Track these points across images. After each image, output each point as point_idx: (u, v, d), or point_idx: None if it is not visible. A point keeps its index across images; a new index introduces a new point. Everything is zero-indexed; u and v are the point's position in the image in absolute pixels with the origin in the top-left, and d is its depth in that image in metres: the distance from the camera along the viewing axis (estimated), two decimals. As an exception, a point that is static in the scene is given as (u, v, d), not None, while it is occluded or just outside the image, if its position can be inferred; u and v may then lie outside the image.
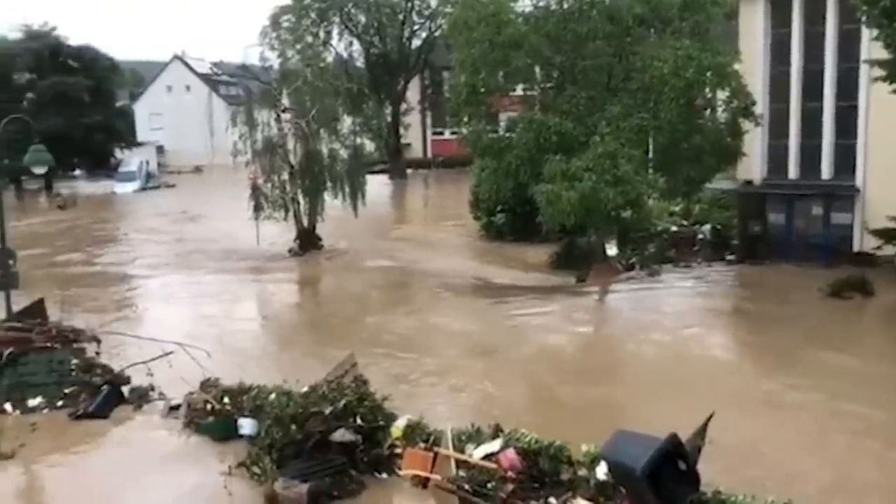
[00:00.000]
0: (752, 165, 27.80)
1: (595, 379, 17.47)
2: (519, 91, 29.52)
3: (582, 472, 11.27)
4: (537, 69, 28.03)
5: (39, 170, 19.93)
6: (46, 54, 61.87)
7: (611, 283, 25.99)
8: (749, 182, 28.09)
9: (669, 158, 26.00)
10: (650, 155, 26.56)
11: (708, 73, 24.94)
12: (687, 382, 16.64)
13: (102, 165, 65.64)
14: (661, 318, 21.89)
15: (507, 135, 27.32)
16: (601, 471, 10.94)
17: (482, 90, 26.88)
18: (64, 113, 57.88)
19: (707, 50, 24.74)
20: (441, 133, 66.51)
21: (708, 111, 27.41)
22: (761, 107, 26.77)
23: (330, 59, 53.09)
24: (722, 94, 26.48)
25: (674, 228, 31.20)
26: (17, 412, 15.84)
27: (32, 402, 16.09)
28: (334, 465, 12.02)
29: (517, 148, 25.59)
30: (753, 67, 27.21)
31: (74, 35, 65.37)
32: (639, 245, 29.01)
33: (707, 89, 26.34)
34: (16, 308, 18.60)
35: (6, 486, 13.25)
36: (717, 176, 27.88)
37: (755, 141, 27.24)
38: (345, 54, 59.73)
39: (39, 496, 13.43)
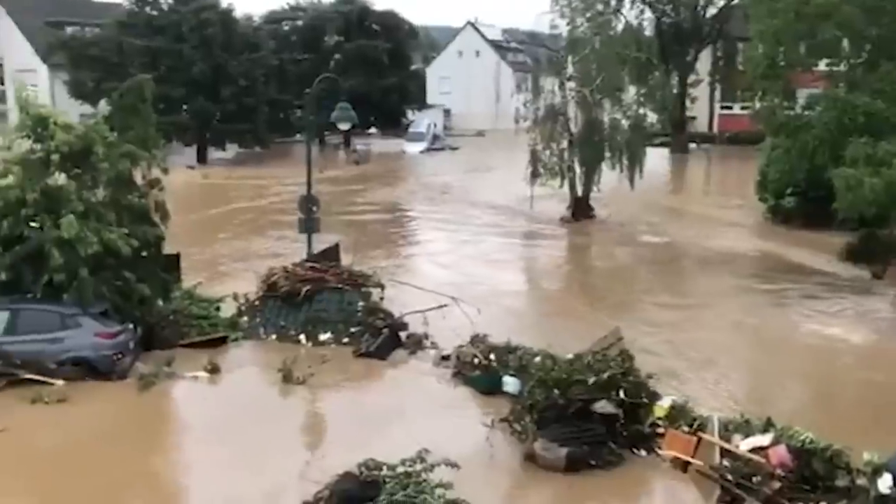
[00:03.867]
0: None
1: (880, 387, 15.91)
2: (822, 66, 27.23)
3: (861, 481, 10.45)
4: (846, 43, 25.65)
5: (344, 126, 21.67)
6: (354, 19, 66.43)
7: (912, 283, 23.45)
8: None
9: None
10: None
11: None
12: None
13: (394, 125, 69.61)
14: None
15: (806, 113, 25.35)
16: (884, 483, 10.09)
17: (781, 64, 25.12)
18: (364, 74, 62.02)
19: None
20: (730, 108, 63.20)
21: None
22: None
23: (619, 27, 52.11)
24: None
25: None
26: (310, 344, 17.50)
27: (323, 337, 17.70)
28: (594, 434, 12.08)
29: (816, 127, 23.71)
30: None
31: (379, 1, 68.82)
32: (952, 244, 25.81)
33: None
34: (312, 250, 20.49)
35: (296, 407, 14.81)
36: None
37: None
38: (635, 22, 58.36)
39: (321, 419, 14.80)
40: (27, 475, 11.97)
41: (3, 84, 58.83)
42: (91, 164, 16.18)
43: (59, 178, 16.15)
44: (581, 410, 12.36)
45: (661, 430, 12.49)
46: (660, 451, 12.23)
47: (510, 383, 14.37)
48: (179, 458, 13.19)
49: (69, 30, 56.65)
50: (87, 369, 15.22)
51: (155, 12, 53.66)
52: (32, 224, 15.61)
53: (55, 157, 15.90)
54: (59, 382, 14.72)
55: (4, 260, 15.30)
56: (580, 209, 33.48)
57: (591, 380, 12.50)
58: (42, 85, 51.70)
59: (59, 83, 53.84)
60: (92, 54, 51.46)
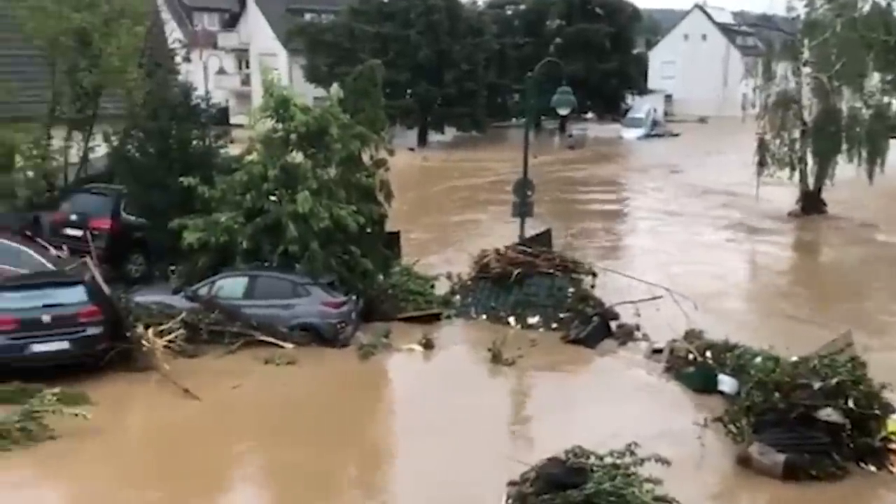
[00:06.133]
0: None
1: None
2: None
3: None
4: None
5: (563, 111, 21.66)
6: (577, 2, 65.79)
7: None
8: None
9: None
10: None
11: None
12: None
13: (612, 110, 68.42)
14: None
15: None
16: None
17: None
18: (584, 58, 61.28)
19: None
20: None
21: None
22: None
23: (865, 8, 48.18)
24: None
25: None
26: (519, 327, 17.67)
27: (531, 320, 17.84)
28: (816, 443, 11.35)
29: None
30: None
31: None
32: None
33: None
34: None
35: (504, 387, 15.09)
36: None
37: None
38: (883, 3, 53.49)
39: (528, 401, 14.96)
40: (257, 424, 13.05)
41: (248, 67, 63.82)
42: (325, 144, 17.23)
43: (297, 157, 17.37)
44: (803, 416, 11.65)
45: (894, 446, 11.54)
46: (892, 468, 11.30)
47: (726, 382, 13.80)
48: (393, 425, 13.82)
49: (307, 16, 60.46)
50: (314, 335, 16.26)
51: (385, -1, 55.99)
52: (272, 198, 16.90)
53: (294, 136, 17.12)
54: (289, 346, 15.84)
55: (246, 230, 16.65)
56: (811, 203, 31.47)
57: (817, 385, 11.75)
58: (281, 68, 55.40)
59: (297, 67, 57.60)
60: (326, 40, 54.58)
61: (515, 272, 18.46)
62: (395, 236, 20.37)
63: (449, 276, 19.50)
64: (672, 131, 66.20)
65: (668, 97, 79.57)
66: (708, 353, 14.62)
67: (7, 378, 13.18)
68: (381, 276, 18.52)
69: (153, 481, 11.19)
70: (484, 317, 18.29)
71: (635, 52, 74.68)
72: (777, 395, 11.95)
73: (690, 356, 14.75)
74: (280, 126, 17.30)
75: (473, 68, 55.19)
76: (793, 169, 31.34)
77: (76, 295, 14.35)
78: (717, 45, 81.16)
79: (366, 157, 18.22)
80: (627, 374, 15.53)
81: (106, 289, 15.05)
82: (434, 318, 18.06)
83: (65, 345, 13.85)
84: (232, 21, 66.64)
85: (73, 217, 19.18)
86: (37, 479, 11.29)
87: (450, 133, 58.32)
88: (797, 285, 24.24)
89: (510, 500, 9.83)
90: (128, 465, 11.56)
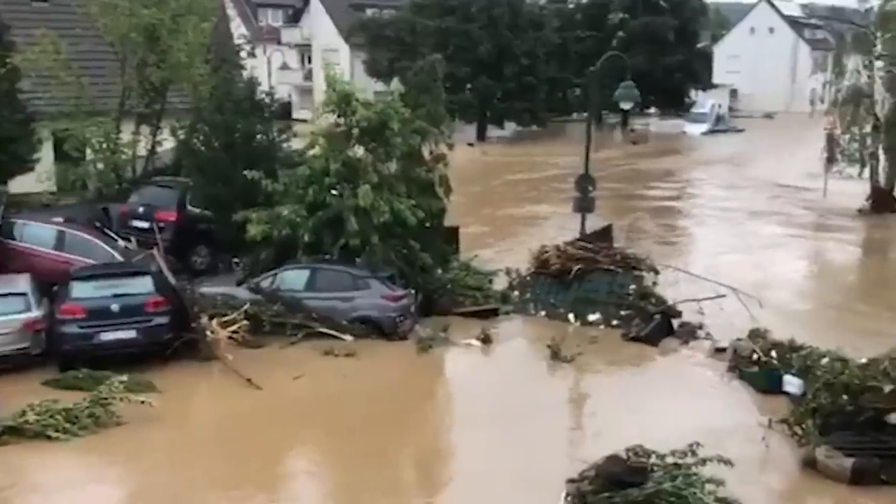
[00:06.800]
0: None
1: None
2: None
3: None
4: None
5: (626, 105, 21.36)
6: (640, -5, 64.86)
7: None
8: None
9: None
10: None
11: None
12: None
13: (675, 105, 67.20)
14: None
15: None
16: None
17: None
18: (648, 52, 60.26)
19: None
20: None
21: None
22: None
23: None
24: None
25: None
26: (578, 323, 17.52)
27: (591, 317, 17.64)
28: (886, 447, 11.01)
29: None
30: None
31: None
32: None
33: None
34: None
35: (563, 384, 14.94)
36: None
37: None
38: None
39: (588, 398, 14.67)
40: (317, 414, 13.28)
41: (310, 62, 64.49)
42: (386, 138, 17.31)
43: (358, 151, 17.49)
44: (872, 420, 11.33)
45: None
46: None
47: (792, 383, 13.45)
48: (451, 418, 13.82)
49: (369, 12, 60.83)
50: (373, 328, 16.36)
51: (447, -7, 55.87)
52: (333, 192, 17.03)
53: (356, 131, 17.23)
54: (349, 338, 15.98)
55: (308, 224, 16.81)
56: (882, 201, 30.53)
57: (888, 388, 11.38)
58: (343, 63, 55.80)
59: (358, 62, 58.00)
60: (388, 35, 54.80)
61: (575, 268, 18.26)
62: (454, 231, 20.36)
63: (508, 272, 19.42)
64: (736, 127, 64.95)
65: (734, 92, 78.04)
66: (773, 353, 14.28)
67: (77, 366, 13.63)
68: (439, 271, 18.56)
69: (215, 465, 11.46)
70: (543, 313, 18.17)
71: (700, 46, 73.08)
72: (845, 397, 11.63)
73: (755, 356, 14.42)
74: (342, 121, 17.44)
75: (534, 62, 54.75)
76: (863, 165, 30.51)
77: (144, 285, 14.77)
78: (784, 39, 79.35)
79: (425, 152, 18.26)
80: (690, 373, 15.29)
81: (172, 280, 15.38)
82: (492, 314, 18.02)
83: (132, 334, 14.26)
84: (295, 17, 67.38)
85: (141, 209, 19.67)
86: (103, 459, 11.66)
87: (509, 128, 57.97)
88: (865, 284, 23.58)
89: (569, 497, 9.78)
90: (191, 450, 11.85)
